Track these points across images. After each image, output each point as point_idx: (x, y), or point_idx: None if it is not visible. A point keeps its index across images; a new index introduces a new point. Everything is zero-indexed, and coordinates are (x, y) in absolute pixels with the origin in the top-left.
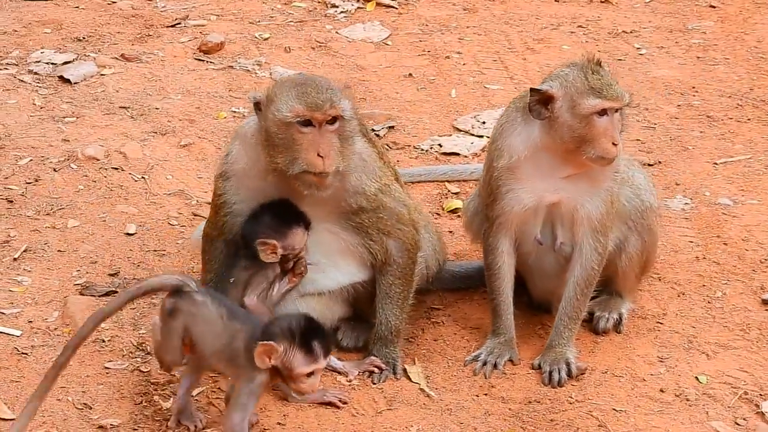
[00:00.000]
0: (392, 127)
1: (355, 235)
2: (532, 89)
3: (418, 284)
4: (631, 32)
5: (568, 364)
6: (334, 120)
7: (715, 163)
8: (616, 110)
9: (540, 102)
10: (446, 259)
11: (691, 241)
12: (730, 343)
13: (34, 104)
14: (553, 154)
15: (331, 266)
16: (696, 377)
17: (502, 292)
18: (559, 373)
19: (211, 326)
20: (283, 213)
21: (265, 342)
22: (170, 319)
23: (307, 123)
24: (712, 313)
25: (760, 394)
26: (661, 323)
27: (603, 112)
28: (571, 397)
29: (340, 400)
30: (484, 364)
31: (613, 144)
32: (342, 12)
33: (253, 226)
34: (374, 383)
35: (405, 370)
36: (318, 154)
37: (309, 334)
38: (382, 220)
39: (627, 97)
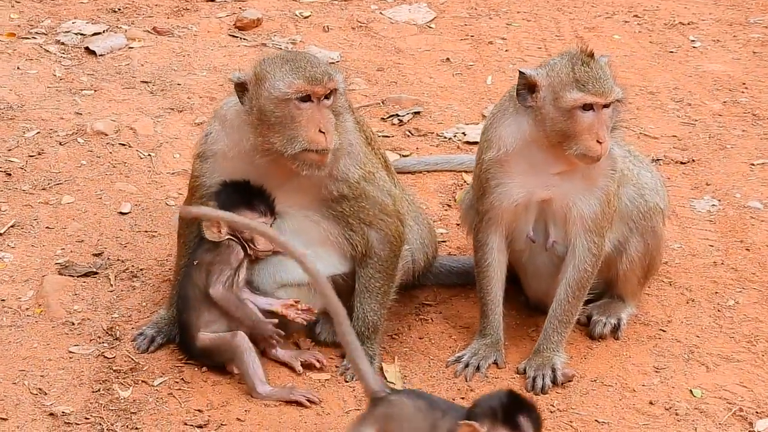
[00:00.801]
0: (418, 112)
1: (335, 224)
2: (520, 72)
3: (402, 279)
4: (688, 24)
5: (553, 371)
6: (330, 94)
7: (752, 164)
8: (605, 106)
9: (526, 88)
10: (436, 253)
11: (711, 245)
12: (734, 355)
13: (54, 75)
14: (542, 147)
15: (311, 257)
16: (690, 390)
17: (491, 290)
18: (543, 380)
19: (411, 422)
20: (240, 192)
21: (468, 422)
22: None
23: (306, 98)
24: (719, 323)
25: (757, 412)
26: (663, 331)
27: (588, 107)
28: (553, 405)
29: (308, 400)
30: (466, 366)
31: (598, 141)
32: None
33: (210, 201)
34: (347, 381)
35: (382, 368)
36: (319, 130)
37: (514, 411)
38: (363, 210)
39: (616, 93)
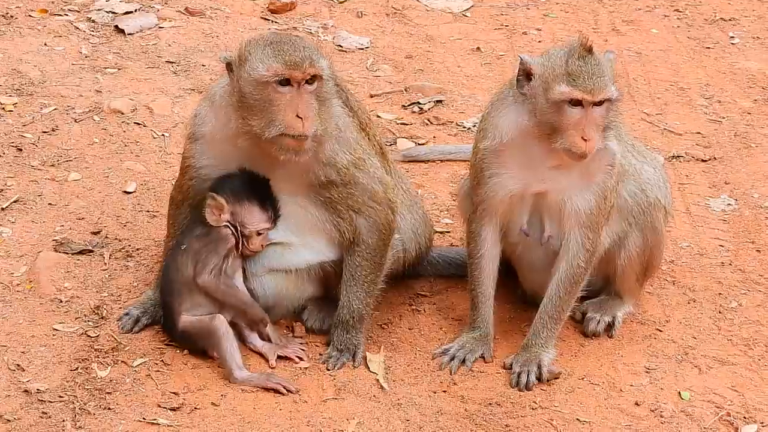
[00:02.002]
0: (440, 101)
1: (323, 210)
2: (520, 58)
3: (392, 269)
4: (729, 20)
5: (539, 367)
6: (312, 79)
7: None
8: (596, 104)
9: (524, 75)
10: (431, 244)
11: (722, 245)
12: (729, 358)
13: (80, 53)
14: (537, 139)
15: (299, 244)
16: (679, 392)
17: (482, 282)
18: (528, 376)
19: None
20: (254, 186)
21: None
22: None
23: (285, 82)
24: (719, 324)
25: (744, 417)
26: (660, 330)
27: (576, 103)
28: (535, 403)
29: (285, 388)
30: (452, 359)
31: (583, 139)
32: None
33: (218, 181)
34: (328, 369)
35: (366, 358)
36: (297, 115)
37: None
38: (352, 196)
39: (608, 92)
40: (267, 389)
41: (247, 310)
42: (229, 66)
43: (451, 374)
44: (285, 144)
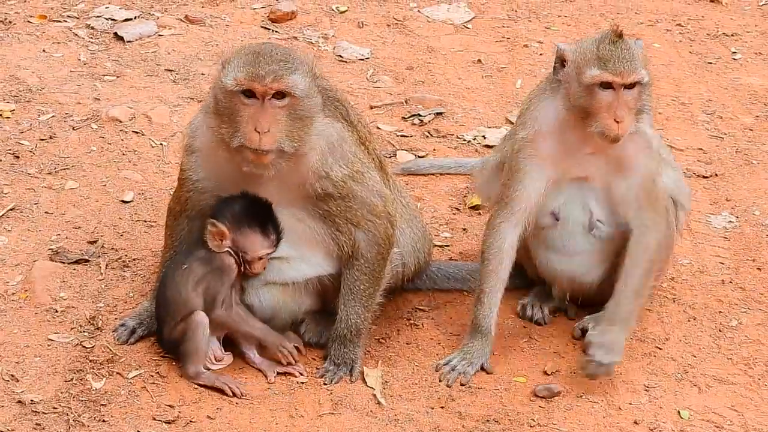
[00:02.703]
0: (441, 113)
1: (321, 223)
2: (557, 45)
3: (391, 283)
4: (732, 35)
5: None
6: (282, 95)
7: None
8: (627, 87)
9: (559, 62)
10: (430, 258)
11: (722, 263)
12: (729, 377)
13: (79, 60)
14: (574, 127)
15: (297, 257)
16: (678, 411)
17: (492, 276)
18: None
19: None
20: (255, 212)
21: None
22: None
23: (250, 94)
24: (719, 343)
25: None
26: (660, 348)
27: (607, 86)
28: (533, 420)
29: (230, 389)
30: (452, 370)
31: (615, 121)
32: None
33: (220, 205)
34: (325, 384)
35: (363, 373)
36: (255, 129)
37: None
38: (351, 210)
39: (639, 75)
40: (214, 389)
41: (262, 337)
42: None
43: (448, 386)
44: (246, 156)
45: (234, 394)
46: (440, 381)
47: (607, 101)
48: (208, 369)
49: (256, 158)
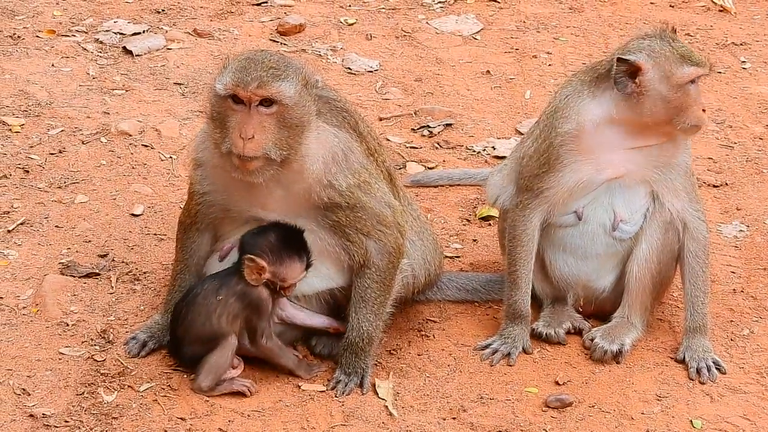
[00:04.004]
0: (450, 124)
1: (332, 233)
2: (619, 59)
3: (401, 294)
4: (741, 44)
5: (716, 363)
6: (269, 102)
7: None
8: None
9: (626, 73)
10: (441, 271)
11: (734, 272)
12: (741, 386)
13: (88, 74)
14: (623, 127)
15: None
16: (691, 421)
17: (527, 263)
18: (709, 371)
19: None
20: (291, 240)
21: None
22: None
23: (238, 100)
24: (730, 352)
25: None
26: (672, 358)
27: (694, 80)
28: (545, 430)
29: (248, 390)
30: (495, 352)
31: (703, 110)
32: (440, 2)
33: (253, 238)
34: (336, 396)
35: (374, 384)
36: (240, 135)
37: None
38: (360, 220)
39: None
40: (230, 394)
41: (294, 369)
42: None
43: (491, 365)
44: (233, 162)
45: (251, 393)
46: (482, 360)
47: (696, 94)
48: (223, 379)
49: (242, 164)
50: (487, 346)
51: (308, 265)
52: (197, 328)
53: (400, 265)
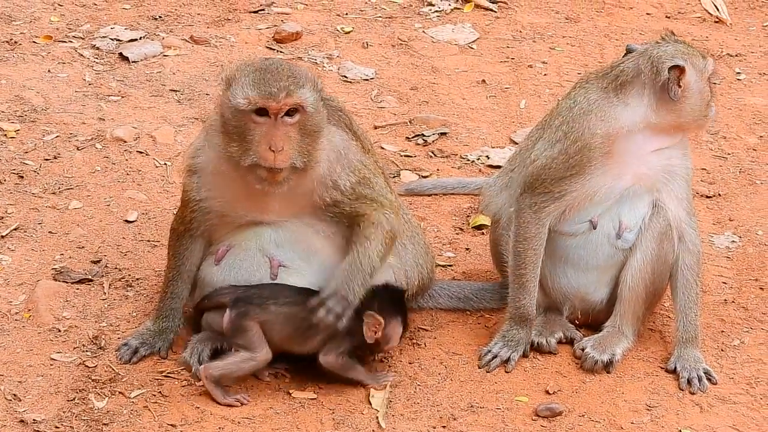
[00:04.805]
0: (445, 133)
1: (333, 224)
2: (675, 66)
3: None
4: (736, 55)
5: (707, 373)
6: (293, 111)
7: None
8: None
9: (677, 80)
10: (433, 276)
11: (725, 283)
12: (731, 397)
13: (84, 80)
14: (652, 130)
15: (308, 271)
16: (680, 430)
17: (535, 265)
18: (700, 382)
19: None
20: (399, 302)
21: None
22: None
23: (263, 112)
24: (720, 362)
25: None
26: (662, 368)
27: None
28: None
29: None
30: (494, 357)
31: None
32: (436, 11)
33: (371, 299)
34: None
35: (368, 394)
36: (270, 148)
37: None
38: (362, 207)
39: None
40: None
41: (364, 380)
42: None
43: (487, 372)
44: (259, 174)
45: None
46: (480, 368)
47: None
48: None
49: (271, 176)
50: (488, 351)
51: (405, 329)
52: (289, 325)
53: (392, 247)
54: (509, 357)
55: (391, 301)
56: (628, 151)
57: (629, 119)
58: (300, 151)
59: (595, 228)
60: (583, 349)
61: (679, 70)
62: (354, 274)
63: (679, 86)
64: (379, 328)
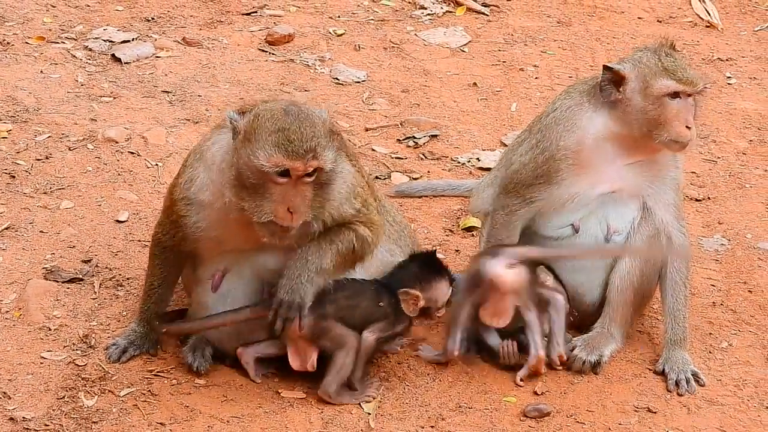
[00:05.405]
0: (435, 136)
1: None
2: (605, 66)
3: None
4: (726, 60)
5: (695, 375)
6: (314, 172)
7: None
8: (690, 95)
9: (611, 82)
10: None
11: (714, 285)
12: (719, 398)
13: (76, 81)
14: (619, 141)
15: None
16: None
17: None
18: (688, 384)
19: None
20: (430, 264)
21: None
22: None
23: (285, 173)
24: (708, 364)
25: None
26: (650, 369)
27: (675, 95)
28: None
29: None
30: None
31: (687, 127)
32: (428, 14)
33: (399, 274)
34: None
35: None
36: (288, 209)
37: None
38: (353, 217)
39: (702, 82)
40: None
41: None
42: (235, 130)
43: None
44: (271, 229)
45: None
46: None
47: (676, 109)
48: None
49: (284, 232)
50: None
51: (452, 281)
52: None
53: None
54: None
55: (422, 266)
56: (599, 161)
57: (594, 127)
58: (313, 207)
59: (577, 232)
60: (571, 350)
61: (613, 73)
62: (300, 274)
63: (618, 91)
64: (418, 299)
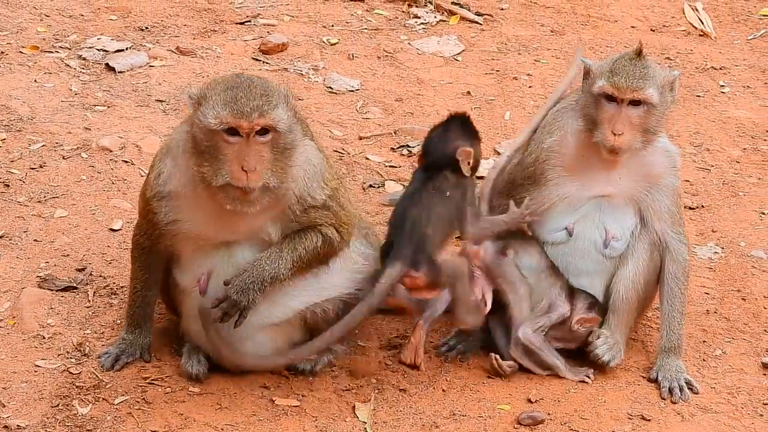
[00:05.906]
0: None
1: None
2: (581, 60)
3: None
4: (720, 69)
5: (688, 383)
6: (265, 131)
7: (763, 213)
8: (631, 102)
9: (585, 77)
10: None
11: (707, 293)
12: (713, 406)
13: (70, 90)
14: (586, 138)
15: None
16: None
17: None
18: (682, 392)
19: None
20: (468, 124)
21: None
22: None
23: (233, 132)
24: (702, 372)
25: None
26: (644, 377)
27: (611, 98)
28: None
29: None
30: (450, 350)
31: (613, 133)
32: (422, 24)
33: (438, 143)
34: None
35: (353, 406)
36: (242, 168)
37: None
38: (321, 217)
39: (644, 94)
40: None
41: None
42: (192, 103)
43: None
44: (231, 194)
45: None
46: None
47: (609, 113)
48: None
49: (243, 195)
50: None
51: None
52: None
53: (330, 259)
54: (465, 350)
55: (463, 127)
56: (584, 162)
57: (572, 127)
58: (273, 171)
59: (571, 235)
60: (597, 337)
61: (585, 69)
62: (254, 281)
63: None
64: (470, 156)
